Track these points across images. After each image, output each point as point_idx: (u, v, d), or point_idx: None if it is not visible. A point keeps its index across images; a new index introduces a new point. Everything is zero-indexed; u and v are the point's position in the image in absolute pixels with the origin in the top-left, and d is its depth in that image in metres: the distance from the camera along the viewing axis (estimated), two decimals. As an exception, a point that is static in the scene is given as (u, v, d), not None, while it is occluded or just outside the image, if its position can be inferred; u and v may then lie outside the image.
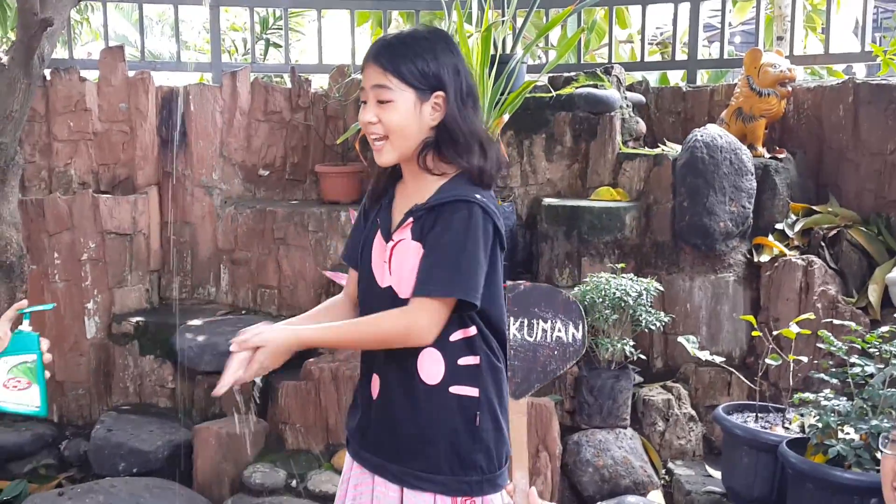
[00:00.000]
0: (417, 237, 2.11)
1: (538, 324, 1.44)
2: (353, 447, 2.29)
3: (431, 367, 2.12)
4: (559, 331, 1.47)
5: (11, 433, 4.49)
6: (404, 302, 2.08)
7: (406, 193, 2.21)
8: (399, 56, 2.09)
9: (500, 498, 2.22)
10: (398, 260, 2.13)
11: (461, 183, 2.12)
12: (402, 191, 2.24)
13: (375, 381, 2.20)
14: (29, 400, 2.01)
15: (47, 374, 2.03)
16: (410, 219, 2.13)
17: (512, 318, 1.48)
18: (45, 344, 2.02)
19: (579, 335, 1.45)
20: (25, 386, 2.00)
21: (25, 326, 2.01)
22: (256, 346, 2.01)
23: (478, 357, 2.15)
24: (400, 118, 2.09)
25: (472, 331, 2.14)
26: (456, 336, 2.12)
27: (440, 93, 2.10)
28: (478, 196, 2.08)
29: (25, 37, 3.69)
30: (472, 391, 2.14)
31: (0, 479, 4.24)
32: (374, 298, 2.17)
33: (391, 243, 2.15)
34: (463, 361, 2.14)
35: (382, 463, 2.19)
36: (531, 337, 1.46)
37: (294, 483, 3.96)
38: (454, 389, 2.13)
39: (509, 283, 1.41)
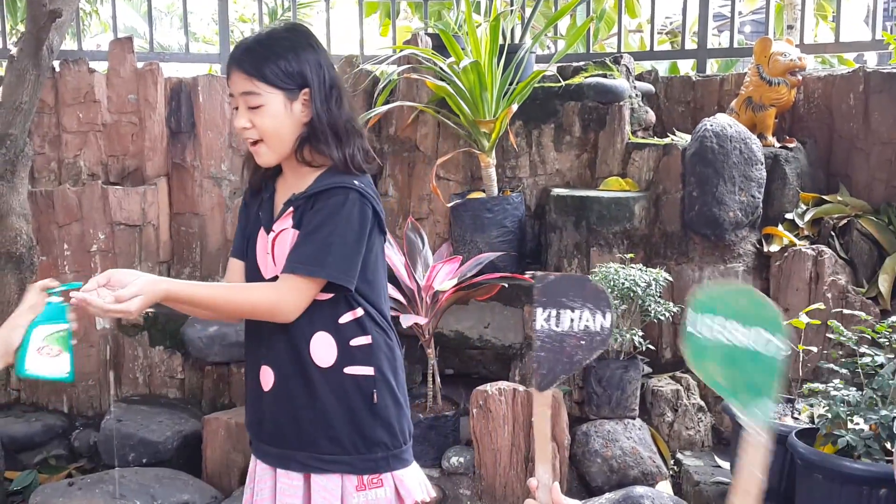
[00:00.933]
0: (297, 225, 2.15)
1: (566, 314, 1.44)
2: (255, 443, 2.32)
3: (324, 351, 2.17)
4: (587, 320, 1.46)
5: (22, 424, 4.52)
6: None
7: (286, 186, 2.26)
8: (262, 59, 2.12)
9: (411, 473, 2.27)
10: (280, 250, 2.17)
11: (340, 171, 2.17)
12: (282, 184, 2.28)
13: (266, 373, 2.23)
14: (59, 368, 2.10)
15: (74, 342, 2.12)
16: (290, 208, 2.18)
17: (540, 309, 1.47)
18: (72, 314, 2.10)
19: (607, 324, 1.44)
20: (56, 353, 2.10)
21: (54, 299, 2.10)
22: (133, 295, 2.00)
23: (369, 336, 2.20)
24: (272, 121, 2.13)
25: (359, 312, 2.19)
26: (345, 318, 2.17)
27: (307, 89, 2.13)
28: (356, 182, 2.13)
29: (34, 28, 3.70)
30: (367, 370, 2.19)
31: (10, 469, 4.26)
32: None
33: (272, 234, 2.20)
34: (355, 342, 2.18)
35: (284, 452, 2.22)
36: (558, 327, 1.45)
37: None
38: (349, 370, 2.18)
39: (538, 273, 1.42)
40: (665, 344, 4.41)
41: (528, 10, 5.19)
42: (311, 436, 2.18)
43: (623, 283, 3.84)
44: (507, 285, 4.18)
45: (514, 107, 4.28)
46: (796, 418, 3.60)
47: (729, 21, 5.71)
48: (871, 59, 7.09)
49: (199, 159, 5.18)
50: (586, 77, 4.77)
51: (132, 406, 4.58)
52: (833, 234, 4.25)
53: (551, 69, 4.70)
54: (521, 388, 3.77)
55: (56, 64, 4.92)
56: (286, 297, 2.08)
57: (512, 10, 4.78)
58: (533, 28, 5.46)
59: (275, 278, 2.16)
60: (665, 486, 3.78)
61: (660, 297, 3.97)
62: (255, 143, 2.17)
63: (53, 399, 4.81)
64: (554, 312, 1.44)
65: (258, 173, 2.31)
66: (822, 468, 3.16)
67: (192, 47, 6.82)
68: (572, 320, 1.46)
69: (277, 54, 2.12)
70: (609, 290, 3.85)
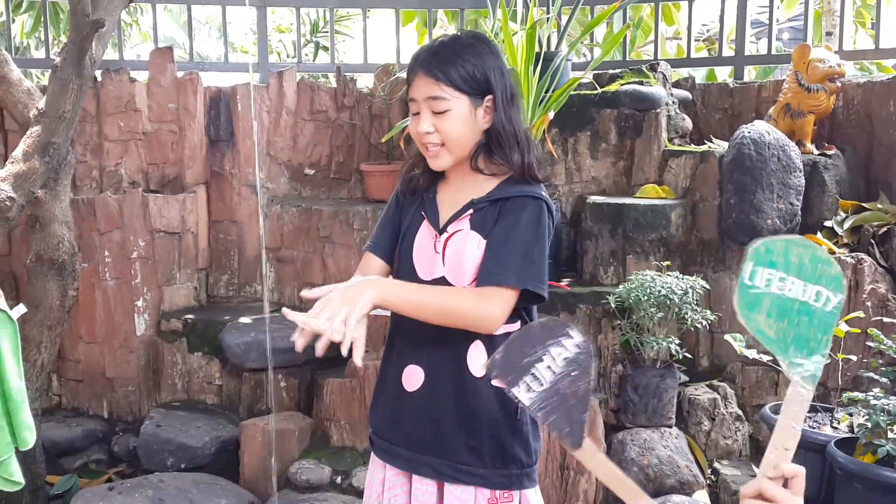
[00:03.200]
0: (478, 228, 2.12)
1: (540, 367, 1.39)
2: (382, 445, 2.27)
3: (479, 360, 2.13)
4: (560, 353, 1.41)
5: (63, 429, 4.58)
6: None
7: (451, 191, 2.23)
8: (449, 64, 2.10)
9: (535, 493, 2.23)
10: (453, 250, 2.14)
11: (518, 180, 2.15)
12: (445, 188, 2.25)
13: (414, 373, 2.19)
14: None
15: None
16: (470, 210, 2.15)
17: (515, 388, 1.43)
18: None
19: (578, 337, 1.39)
20: None
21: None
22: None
23: None
24: (458, 126, 2.11)
25: (516, 325, 2.16)
26: (501, 330, 2.12)
27: (490, 96, 2.12)
28: (543, 193, 2.12)
29: (77, 38, 3.75)
30: None
31: (51, 473, 4.31)
32: None
33: (445, 234, 2.16)
34: None
35: (418, 457, 2.18)
36: (543, 384, 1.41)
37: (339, 479, 3.99)
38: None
39: (486, 362, 1.41)
40: (702, 352, 4.38)
41: (565, 18, 5.18)
42: (452, 443, 2.15)
43: (659, 291, 3.82)
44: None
45: (551, 114, 4.28)
46: (835, 427, 3.57)
47: (767, 28, 5.67)
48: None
49: (237, 167, 5.23)
50: (623, 84, 4.76)
51: (171, 411, 4.63)
52: (873, 241, 4.21)
53: (587, 77, 4.70)
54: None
55: (98, 73, 4.99)
56: (491, 306, 2.03)
57: (548, 19, 4.78)
58: (569, 36, 5.46)
59: (442, 279, 2.13)
60: (702, 496, 3.76)
61: (697, 304, 3.96)
62: (434, 146, 2.14)
63: (94, 404, 4.87)
64: (527, 379, 1.40)
65: (420, 173, 2.28)
66: (861, 478, 3.13)
67: (231, 57, 6.88)
68: (549, 367, 1.41)
69: (465, 59, 2.10)
70: (645, 297, 3.84)
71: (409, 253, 2.22)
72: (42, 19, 5.90)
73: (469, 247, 2.11)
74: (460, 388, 2.14)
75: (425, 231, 2.21)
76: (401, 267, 2.25)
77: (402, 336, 2.24)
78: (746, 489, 1.28)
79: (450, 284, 2.12)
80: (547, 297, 2.10)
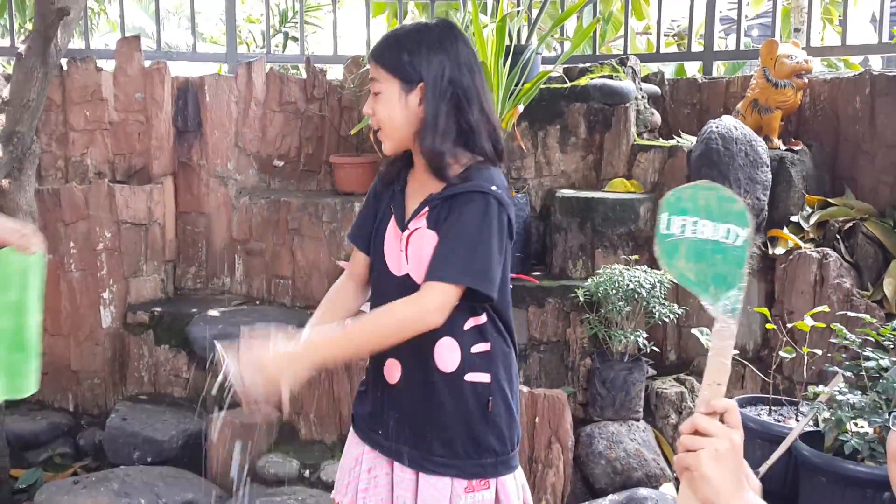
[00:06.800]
0: (433, 226, 2.13)
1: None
2: (365, 431, 2.31)
3: (448, 356, 2.16)
4: None
5: (27, 422, 4.53)
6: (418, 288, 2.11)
7: (418, 181, 2.24)
8: (388, 48, 2.18)
9: (513, 479, 2.26)
10: (415, 248, 2.16)
11: (481, 171, 2.15)
12: (413, 177, 2.27)
13: (393, 366, 2.23)
14: None
15: None
16: (426, 208, 2.16)
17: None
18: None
19: None
20: None
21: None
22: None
23: (489, 343, 2.20)
24: (386, 109, 2.17)
25: (483, 318, 2.18)
26: (468, 325, 2.16)
27: (423, 83, 2.14)
28: (493, 188, 2.11)
29: (42, 26, 3.71)
30: (485, 377, 2.19)
31: (16, 467, 4.27)
32: (388, 286, 2.20)
33: (407, 232, 2.18)
34: (476, 349, 2.18)
35: (398, 448, 2.22)
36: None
37: (307, 473, 3.97)
38: (469, 377, 2.18)
39: None
40: (670, 346, 4.41)
41: (535, 12, 5.19)
42: (426, 436, 2.19)
43: (628, 285, 3.84)
44: (511, 286, 4.17)
45: (520, 107, 4.28)
46: (799, 421, 3.60)
47: (735, 24, 5.70)
48: (876, 63, 7.08)
49: (205, 158, 5.19)
50: (592, 78, 4.77)
51: (137, 405, 4.59)
52: (838, 237, 4.25)
53: (557, 70, 4.70)
54: (525, 388, 3.77)
55: (63, 62, 4.93)
56: (430, 304, 2.05)
57: (518, 12, 4.79)
58: (539, 29, 5.46)
59: (406, 276, 2.16)
60: (669, 488, 3.78)
61: (664, 298, 3.98)
62: (376, 130, 2.22)
63: (59, 397, 4.82)
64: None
65: (395, 164, 2.31)
66: (825, 471, 3.16)
67: (200, 47, 6.83)
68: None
69: (402, 45, 2.16)
70: (614, 291, 3.85)
71: (381, 248, 2.25)
72: (7, 6, 5.83)
73: (425, 245, 2.13)
74: (430, 383, 2.18)
75: (392, 227, 2.23)
76: (374, 260, 2.28)
77: None
78: (684, 426, 1.34)
79: (414, 282, 2.13)
80: (492, 295, 2.09)
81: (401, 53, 2.14)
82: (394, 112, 2.16)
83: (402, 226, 2.20)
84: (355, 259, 2.38)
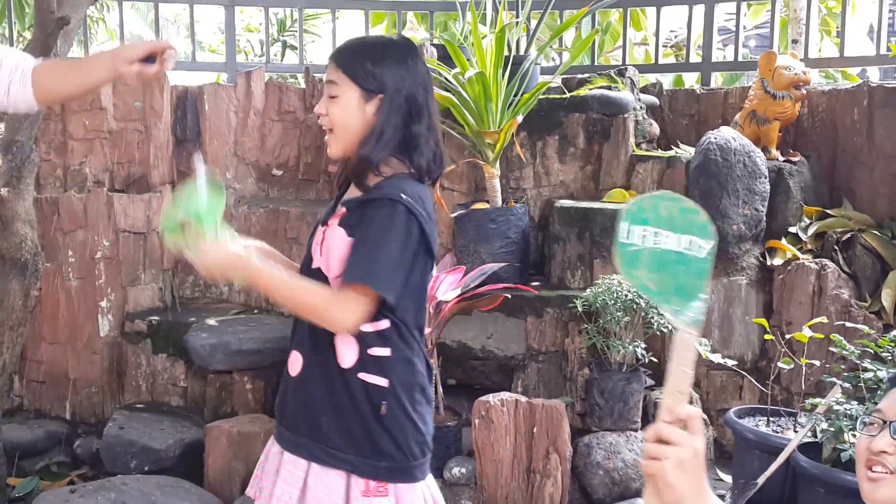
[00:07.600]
0: (345, 225, 2.22)
1: None
2: (276, 426, 2.39)
3: (346, 352, 2.21)
4: None
5: (25, 431, 4.52)
6: (329, 282, 2.21)
7: (353, 187, 2.33)
8: (351, 55, 2.26)
9: (418, 491, 2.29)
10: (327, 244, 2.25)
11: (397, 182, 2.22)
12: (353, 185, 2.36)
13: (296, 359, 2.30)
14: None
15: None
16: (344, 209, 2.26)
17: None
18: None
19: None
20: None
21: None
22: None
23: (389, 349, 2.24)
24: (343, 113, 2.23)
25: (384, 324, 2.22)
26: (367, 328, 2.20)
27: (382, 95, 2.22)
28: (404, 196, 2.17)
29: (42, 35, 3.71)
30: (381, 381, 2.22)
31: (13, 476, 4.26)
32: (308, 274, 2.29)
33: (323, 227, 2.29)
34: (373, 352, 2.22)
35: (296, 439, 2.28)
36: None
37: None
38: (363, 376, 2.22)
39: None
40: (668, 356, 4.40)
41: (534, 22, 5.20)
42: (324, 428, 2.23)
43: (626, 295, 3.84)
44: (510, 296, 4.17)
45: (519, 118, 4.29)
46: (798, 432, 3.60)
47: (734, 35, 5.72)
48: (874, 74, 7.10)
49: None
50: (591, 89, 4.78)
51: (134, 413, 4.58)
52: (836, 248, 4.25)
53: (556, 81, 4.71)
54: (523, 399, 3.77)
55: (63, 71, 4.93)
56: (342, 307, 2.14)
57: (517, 22, 4.80)
58: (538, 40, 5.47)
59: (318, 269, 2.24)
60: (666, 499, 3.77)
61: (663, 309, 3.97)
62: (327, 132, 2.28)
63: (56, 406, 4.81)
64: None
65: (343, 167, 2.39)
66: (823, 482, 3.16)
67: (199, 56, 6.83)
68: None
69: (366, 55, 2.24)
70: (612, 301, 3.85)
71: (310, 241, 2.36)
72: (6, 14, 5.83)
73: (335, 242, 2.21)
74: (330, 377, 2.23)
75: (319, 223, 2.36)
76: (305, 252, 2.39)
77: (294, 322, 2.38)
78: (647, 434, 1.36)
79: (325, 275, 2.22)
80: (390, 298, 2.15)
81: (365, 63, 2.22)
82: (350, 118, 2.23)
83: (324, 222, 2.31)
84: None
